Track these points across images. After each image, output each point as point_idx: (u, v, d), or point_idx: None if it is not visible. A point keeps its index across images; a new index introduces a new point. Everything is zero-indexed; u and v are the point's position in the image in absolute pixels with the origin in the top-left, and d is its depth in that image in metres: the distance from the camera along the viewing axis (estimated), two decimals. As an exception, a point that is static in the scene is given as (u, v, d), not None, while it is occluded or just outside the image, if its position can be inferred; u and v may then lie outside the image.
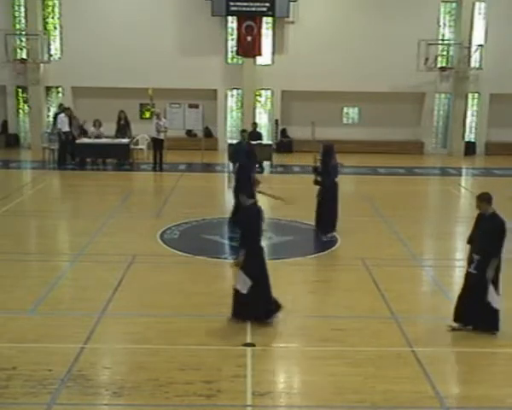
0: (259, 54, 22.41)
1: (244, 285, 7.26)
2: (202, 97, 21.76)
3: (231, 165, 14.19)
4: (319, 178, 11.36)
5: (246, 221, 7.50)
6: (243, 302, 7.36)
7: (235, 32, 22.44)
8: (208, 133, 22.83)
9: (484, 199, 7.15)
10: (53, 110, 23.25)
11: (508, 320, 7.77)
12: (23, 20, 22.61)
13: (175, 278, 9.43)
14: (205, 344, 6.88)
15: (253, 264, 7.33)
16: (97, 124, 19.32)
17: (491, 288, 7.09)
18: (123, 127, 19.59)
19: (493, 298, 7.13)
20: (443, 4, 22.89)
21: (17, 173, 19.07)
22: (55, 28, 22.78)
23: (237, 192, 13.45)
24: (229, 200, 15.51)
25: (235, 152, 14.06)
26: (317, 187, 11.51)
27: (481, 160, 22.76)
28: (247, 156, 13.54)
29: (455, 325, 7.34)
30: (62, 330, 7.16)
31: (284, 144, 23.19)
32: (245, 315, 7.42)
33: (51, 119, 21.64)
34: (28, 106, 23.02)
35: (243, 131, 15.09)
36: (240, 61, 22.68)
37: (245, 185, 13.25)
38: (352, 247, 10.82)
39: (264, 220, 7.50)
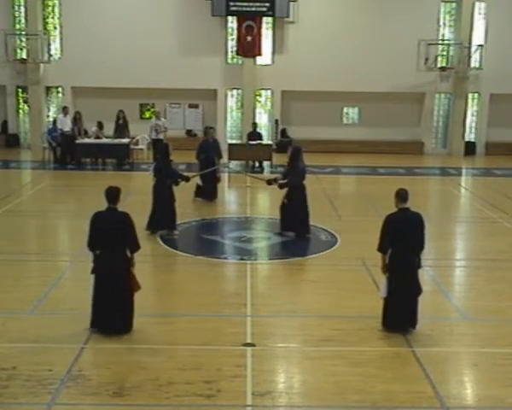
0: (259, 54, 22.42)
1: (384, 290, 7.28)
2: (202, 97, 21.79)
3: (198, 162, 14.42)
4: (283, 181, 11.12)
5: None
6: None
7: (235, 32, 22.46)
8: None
9: (395, 195, 7.25)
10: (53, 110, 23.29)
11: (507, 320, 7.79)
12: (23, 20, 22.62)
13: (175, 278, 9.45)
14: (205, 344, 6.88)
15: None
16: (99, 126, 19.34)
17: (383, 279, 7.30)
18: (121, 127, 19.60)
19: (381, 289, 7.33)
20: (443, 4, 22.91)
21: (17, 173, 19.07)
22: (55, 28, 22.79)
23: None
24: (228, 200, 15.56)
25: (200, 149, 14.26)
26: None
27: (481, 160, 22.78)
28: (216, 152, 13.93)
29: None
30: (62, 330, 7.15)
31: (284, 144, 23.15)
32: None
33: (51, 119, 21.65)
34: (28, 106, 23.03)
35: (211, 127, 15.29)
36: (240, 61, 22.69)
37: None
38: (352, 247, 10.80)
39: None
